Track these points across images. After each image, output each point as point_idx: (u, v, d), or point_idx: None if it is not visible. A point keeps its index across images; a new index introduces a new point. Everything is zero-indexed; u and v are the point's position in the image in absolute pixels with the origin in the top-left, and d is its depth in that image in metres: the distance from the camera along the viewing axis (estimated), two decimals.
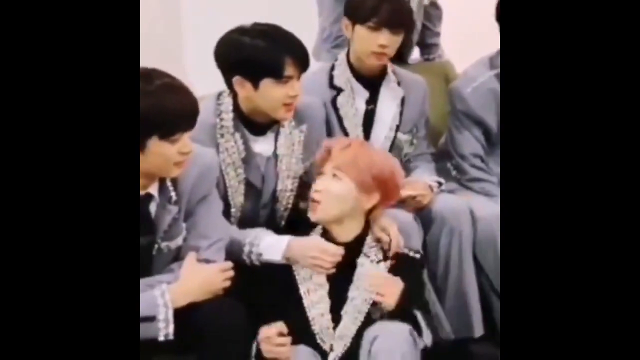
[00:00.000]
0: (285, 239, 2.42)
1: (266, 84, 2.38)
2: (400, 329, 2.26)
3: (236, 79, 2.40)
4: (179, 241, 2.22)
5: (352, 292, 2.36)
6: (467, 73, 3.05)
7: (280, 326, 2.22)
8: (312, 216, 2.41)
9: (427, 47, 3.55)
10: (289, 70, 2.38)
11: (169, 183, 2.17)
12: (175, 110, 2.03)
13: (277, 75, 2.38)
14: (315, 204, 2.39)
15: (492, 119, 2.93)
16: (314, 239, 2.42)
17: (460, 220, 2.76)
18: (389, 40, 2.74)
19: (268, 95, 2.40)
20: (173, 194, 2.18)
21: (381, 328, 2.26)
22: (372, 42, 2.74)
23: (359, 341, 2.28)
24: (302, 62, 2.42)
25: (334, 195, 2.37)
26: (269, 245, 2.41)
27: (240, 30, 2.42)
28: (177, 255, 2.23)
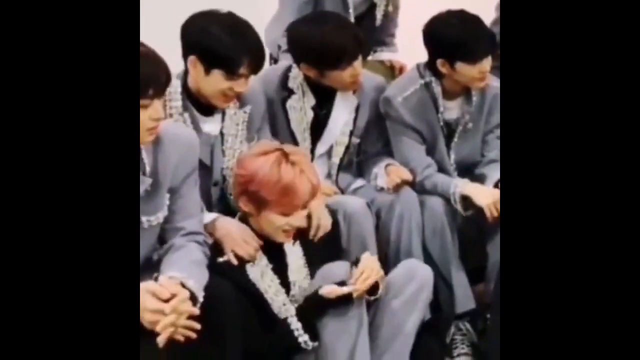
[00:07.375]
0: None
1: (216, 74, 2.50)
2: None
3: (191, 59, 2.52)
4: (159, 217, 2.26)
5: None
6: (398, 82, 3.11)
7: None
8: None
9: (381, 45, 3.64)
10: (243, 69, 2.50)
11: (143, 155, 2.19)
12: (146, 76, 2.00)
13: (231, 71, 2.49)
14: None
15: (424, 127, 2.99)
16: None
17: (410, 206, 2.84)
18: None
19: (213, 84, 2.52)
20: (148, 166, 2.20)
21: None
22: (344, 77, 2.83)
23: None
24: (257, 66, 2.54)
25: None
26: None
27: (212, 16, 2.53)
28: (160, 235, 2.29)
